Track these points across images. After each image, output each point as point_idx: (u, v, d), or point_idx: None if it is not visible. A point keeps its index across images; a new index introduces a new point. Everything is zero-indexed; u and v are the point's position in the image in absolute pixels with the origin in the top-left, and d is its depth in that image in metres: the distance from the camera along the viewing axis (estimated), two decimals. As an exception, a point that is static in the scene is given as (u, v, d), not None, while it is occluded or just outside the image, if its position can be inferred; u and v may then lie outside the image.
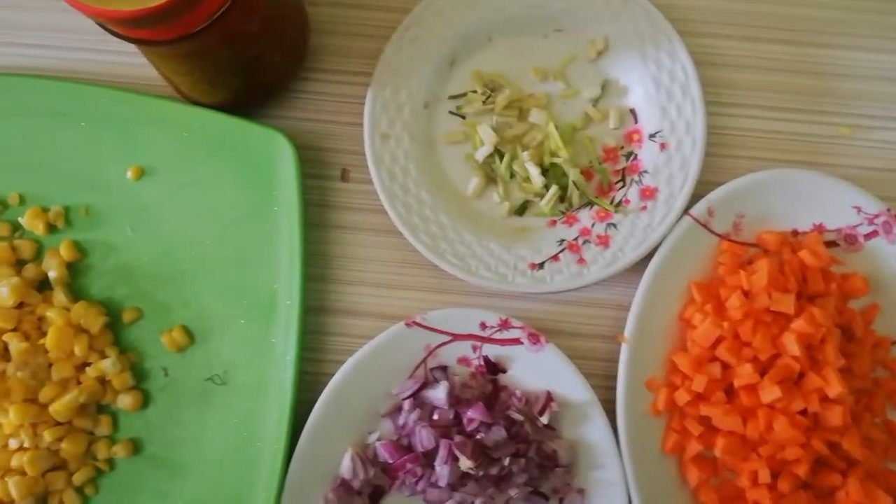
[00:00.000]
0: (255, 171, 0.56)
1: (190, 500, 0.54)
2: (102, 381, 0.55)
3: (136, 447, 0.55)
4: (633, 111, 0.58)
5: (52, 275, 0.56)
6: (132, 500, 0.55)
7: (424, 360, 0.55)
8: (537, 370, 0.55)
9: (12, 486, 0.52)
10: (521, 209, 0.58)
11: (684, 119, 0.56)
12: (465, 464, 0.52)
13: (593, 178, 0.58)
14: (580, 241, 0.56)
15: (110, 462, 0.55)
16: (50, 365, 0.54)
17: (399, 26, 0.57)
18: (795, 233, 0.56)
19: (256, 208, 0.56)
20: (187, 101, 0.56)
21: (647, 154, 0.57)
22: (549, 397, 0.54)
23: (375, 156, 0.56)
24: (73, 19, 0.59)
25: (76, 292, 0.56)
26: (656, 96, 0.57)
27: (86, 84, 0.57)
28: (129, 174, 0.57)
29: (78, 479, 0.54)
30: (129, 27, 0.43)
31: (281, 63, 0.55)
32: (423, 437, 0.53)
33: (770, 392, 0.51)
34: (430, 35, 0.57)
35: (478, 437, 0.53)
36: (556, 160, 0.57)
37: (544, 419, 0.53)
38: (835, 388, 0.51)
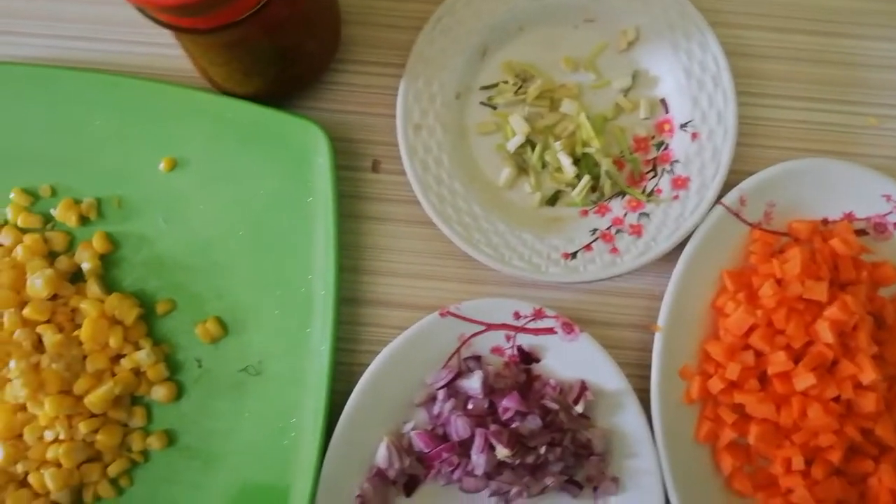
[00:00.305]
0: (289, 162, 0.56)
1: (224, 491, 0.54)
2: (137, 372, 0.55)
3: (170, 438, 0.55)
4: (663, 101, 0.58)
5: (85, 266, 0.56)
6: (167, 492, 0.55)
7: (458, 350, 0.55)
8: (571, 359, 0.55)
9: (48, 478, 0.52)
10: (553, 199, 0.58)
11: (715, 109, 0.56)
12: (502, 452, 0.52)
13: (624, 167, 0.58)
14: (613, 230, 0.56)
15: (145, 454, 0.55)
16: (84, 357, 0.54)
17: (431, 17, 0.57)
18: (826, 221, 0.56)
19: (290, 199, 0.56)
20: (220, 92, 0.56)
21: (679, 144, 0.57)
22: (584, 386, 0.54)
23: (409, 146, 0.56)
24: (106, 11, 0.59)
25: (109, 284, 0.56)
26: (687, 86, 0.57)
27: (118, 75, 0.57)
28: (162, 165, 0.57)
29: (113, 470, 0.54)
30: (174, 15, 0.43)
31: (315, 54, 0.55)
32: (459, 427, 0.53)
33: (804, 379, 0.51)
34: (461, 26, 0.57)
35: (513, 426, 0.53)
36: (587, 150, 0.57)
37: (579, 408, 0.54)
38: (868, 374, 0.51)
